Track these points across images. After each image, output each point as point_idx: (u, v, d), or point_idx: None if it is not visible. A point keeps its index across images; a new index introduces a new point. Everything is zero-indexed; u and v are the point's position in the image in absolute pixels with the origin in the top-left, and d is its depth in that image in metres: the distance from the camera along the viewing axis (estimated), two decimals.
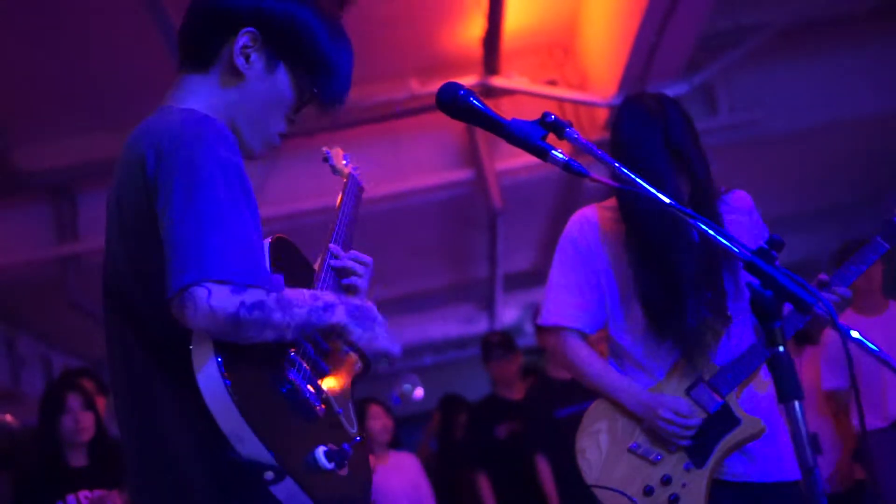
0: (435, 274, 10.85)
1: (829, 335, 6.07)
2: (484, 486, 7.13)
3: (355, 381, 2.35)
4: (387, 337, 2.18)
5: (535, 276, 10.97)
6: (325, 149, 2.81)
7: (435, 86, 6.79)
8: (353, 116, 7.11)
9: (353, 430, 2.17)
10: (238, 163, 2.00)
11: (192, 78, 2.22)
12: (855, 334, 1.75)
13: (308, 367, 2.07)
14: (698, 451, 3.07)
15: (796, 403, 1.74)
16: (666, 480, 3.06)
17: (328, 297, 2.08)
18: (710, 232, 1.84)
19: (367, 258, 2.46)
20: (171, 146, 1.96)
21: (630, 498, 3.06)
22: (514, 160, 7.73)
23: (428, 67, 7.21)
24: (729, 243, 1.82)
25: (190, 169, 1.92)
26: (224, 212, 1.90)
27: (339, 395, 2.18)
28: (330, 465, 1.95)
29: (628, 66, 6.57)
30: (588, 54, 7.47)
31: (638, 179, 1.94)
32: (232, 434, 1.83)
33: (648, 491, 3.06)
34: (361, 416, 7.09)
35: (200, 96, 2.18)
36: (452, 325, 13.03)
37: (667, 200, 1.90)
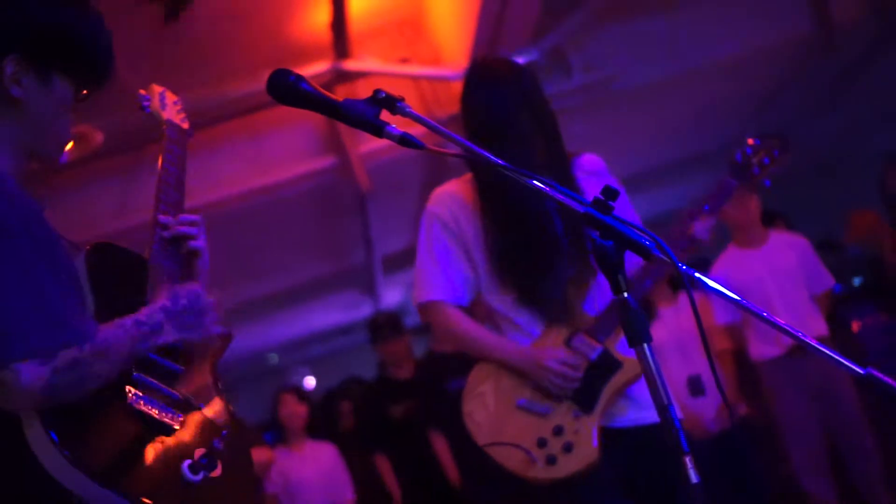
0: (313, 264, 10.79)
1: (717, 271, 6.20)
2: (384, 467, 7.17)
3: (217, 359, 2.32)
4: (213, 322, 2.16)
5: (414, 255, 11.02)
6: (140, 91, 2.61)
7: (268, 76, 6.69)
8: (212, 115, 7.03)
9: (221, 422, 2.16)
10: (23, 217, 1.94)
11: None
12: (710, 283, 1.81)
13: (156, 380, 2.05)
14: (585, 397, 3.14)
15: (646, 346, 1.80)
16: (557, 431, 3.12)
17: (155, 317, 2.05)
18: (547, 189, 1.88)
19: (195, 217, 2.39)
20: None
21: (525, 450, 3.11)
22: (376, 142, 7.72)
23: (280, 58, 7.12)
24: (566, 198, 1.86)
25: None
26: (10, 280, 1.86)
27: (201, 388, 2.18)
28: (197, 477, 1.95)
29: (477, 38, 6.59)
30: (438, 29, 7.48)
31: (476, 148, 1.97)
32: (80, 490, 1.82)
33: (542, 443, 3.11)
34: (275, 408, 7.09)
35: None
36: (337, 312, 13.00)
37: (506, 164, 1.94)
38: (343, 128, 7.56)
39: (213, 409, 2.18)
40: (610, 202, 1.84)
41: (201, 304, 2.15)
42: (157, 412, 2.00)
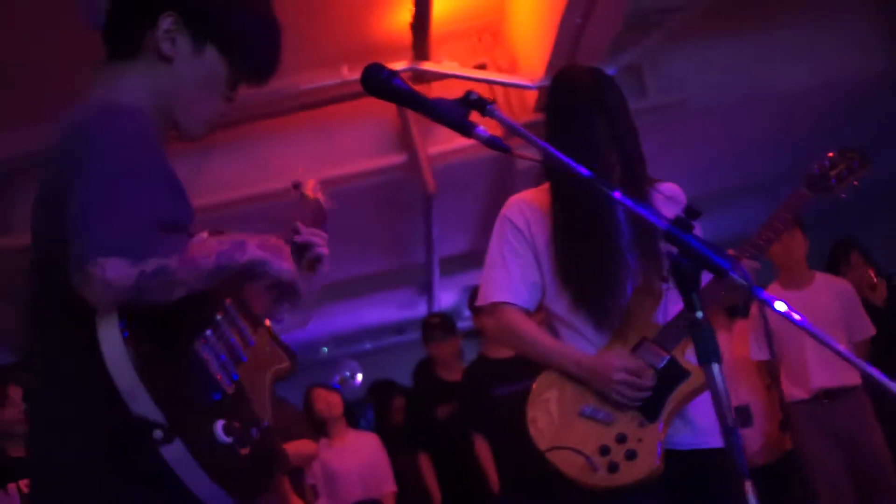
0: (372, 260, 10.85)
1: (757, 307, 6.17)
2: (426, 466, 7.20)
3: (278, 378, 2.40)
4: (292, 269, 2.21)
5: (472, 259, 11.01)
6: (297, 177, 2.83)
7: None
8: (285, 105, 7.12)
9: (264, 417, 2.21)
10: (144, 140, 2.04)
11: (119, 66, 2.25)
12: (779, 305, 1.81)
13: (223, 350, 2.12)
14: (650, 406, 3.14)
15: (714, 366, 1.81)
16: (621, 438, 3.12)
17: (237, 236, 2.11)
18: (628, 202, 1.90)
19: (323, 233, 2.53)
20: (81, 137, 2.02)
21: (584, 455, 3.11)
22: (446, 144, 7.77)
23: (358, 54, 7.21)
24: (646, 213, 1.88)
25: (93, 153, 1.97)
26: (120, 187, 1.94)
27: (255, 384, 2.24)
28: (227, 439, 2.00)
29: (555, 49, 6.61)
30: (516, 38, 7.51)
31: (559, 154, 1.99)
32: (127, 392, 1.87)
33: (604, 450, 3.11)
34: (306, 405, 7.13)
35: (128, 84, 2.22)
36: (391, 310, 13.05)
37: (587, 173, 1.96)
38: (415, 127, 7.61)
39: (261, 405, 2.24)
40: (691, 221, 1.85)
41: (279, 244, 2.21)
42: (215, 370, 2.08)
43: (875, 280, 7.09)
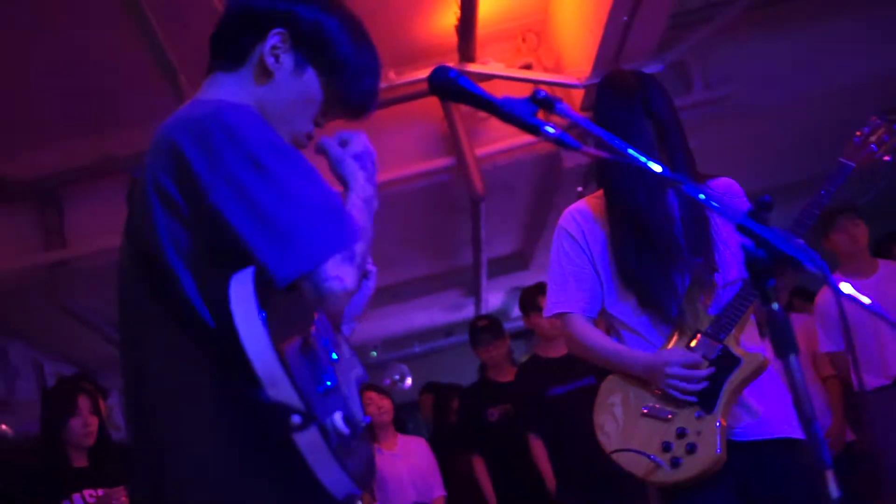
0: (419, 262, 10.88)
1: (823, 297, 6.12)
2: (480, 468, 7.21)
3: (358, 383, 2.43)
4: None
5: (519, 260, 11.03)
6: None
7: (411, 75, 6.85)
8: None
9: (363, 414, 2.24)
10: (273, 131, 2.07)
11: (222, 76, 2.30)
12: (847, 288, 1.80)
13: (325, 346, 2.13)
14: (706, 398, 3.17)
15: (793, 357, 1.81)
16: (681, 433, 3.15)
17: (369, 191, 2.26)
18: (702, 196, 1.90)
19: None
20: (213, 133, 2.00)
21: (648, 456, 3.16)
22: (492, 146, 7.80)
23: (404, 57, 7.25)
24: (720, 206, 1.88)
25: (246, 152, 1.97)
26: (295, 181, 1.97)
27: (349, 381, 2.27)
28: (347, 430, 1.99)
29: (601, 48, 6.62)
30: (561, 37, 7.51)
31: (627, 149, 2.00)
32: (266, 375, 1.84)
33: (666, 447, 3.16)
34: None
35: (229, 92, 2.25)
36: (438, 312, 13.06)
37: (658, 168, 1.96)
38: (461, 130, 7.63)
39: (355, 401, 2.25)
40: (763, 213, 1.85)
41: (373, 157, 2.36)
42: (325, 365, 2.08)
43: None
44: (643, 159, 1.98)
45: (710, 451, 3.10)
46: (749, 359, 3.18)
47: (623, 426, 3.27)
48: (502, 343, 7.34)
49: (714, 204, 1.89)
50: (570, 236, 3.44)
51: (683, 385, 3.16)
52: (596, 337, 3.39)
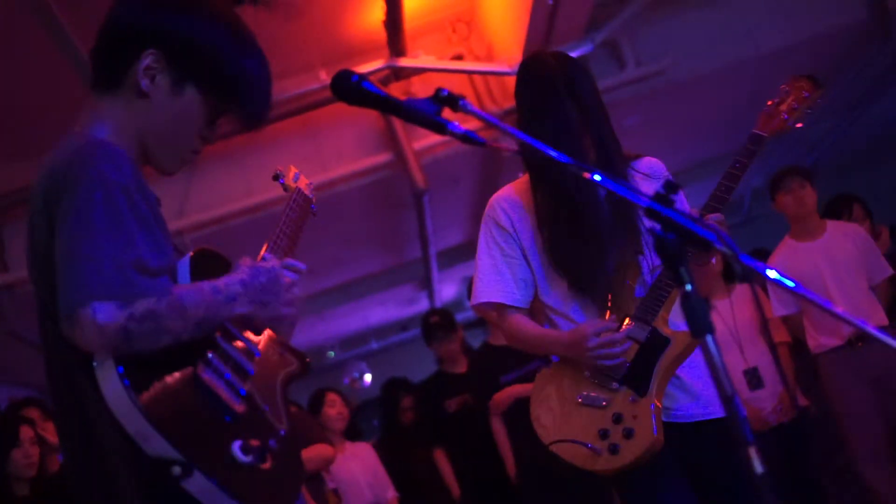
0: (370, 259, 10.86)
1: (773, 263, 6.16)
2: (442, 461, 7.23)
3: (289, 380, 2.41)
4: (287, 308, 2.26)
5: (470, 249, 11.01)
6: (278, 168, 2.94)
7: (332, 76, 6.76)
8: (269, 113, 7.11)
9: (280, 426, 2.22)
10: (124, 182, 2.04)
11: (102, 100, 2.26)
12: (772, 273, 1.82)
13: (228, 368, 2.12)
14: (639, 381, 3.16)
15: (709, 337, 1.81)
16: (617, 418, 3.14)
17: (232, 288, 2.14)
18: (608, 182, 1.90)
19: (301, 265, 2.50)
20: (60, 176, 2.03)
21: (584, 444, 3.14)
22: (431, 138, 7.79)
23: (335, 56, 7.24)
24: (626, 192, 1.88)
25: (73, 195, 1.99)
26: (103, 231, 1.96)
27: (266, 393, 2.24)
28: (246, 459, 2.01)
29: (530, 32, 6.63)
30: (490, 25, 7.53)
31: (534, 142, 1.99)
32: (137, 434, 1.89)
33: (604, 434, 3.14)
34: (319, 404, 7.14)
35: (108, 119, 2.23)
36: (393, 307, 13.06)
37: (563, 158, 1.96)
38: (398, 124, 7.62)
39: (276, 413, 2.25)
40: (671, 196, 1.85)
41: (279, 284, 2.25)
42: (222, 391, 2.07)
43: (877, 229, 7.12)
44: (551, 151, 1.98)
45: (647, 433, 3.09)
46: (678, 338, 3.18)
47: (559, 416, 3.24)
48: (455, 336, 7.36)
49: (623, 190, 1.89)
50: (499, 226, 3.39)
51: (605, 352, 3.15)
52: (521, 324, 3.37)
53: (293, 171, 2.98)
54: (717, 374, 1.82)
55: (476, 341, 8.26)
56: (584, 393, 3.23)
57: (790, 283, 1.89)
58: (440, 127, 2.01)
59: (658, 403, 3.14)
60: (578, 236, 3.25)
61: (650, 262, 3.26)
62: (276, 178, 2.93)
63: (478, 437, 6.68)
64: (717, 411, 3.22)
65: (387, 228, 10.04)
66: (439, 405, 7.14)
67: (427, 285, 11.67)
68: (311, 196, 2.91)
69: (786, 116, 3.41)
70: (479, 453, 6.78)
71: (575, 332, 3.21)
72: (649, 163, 3.43)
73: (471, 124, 1.95)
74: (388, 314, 13.40)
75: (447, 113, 2.04)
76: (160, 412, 1.91)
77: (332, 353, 13.60)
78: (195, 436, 1.96)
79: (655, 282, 3.22)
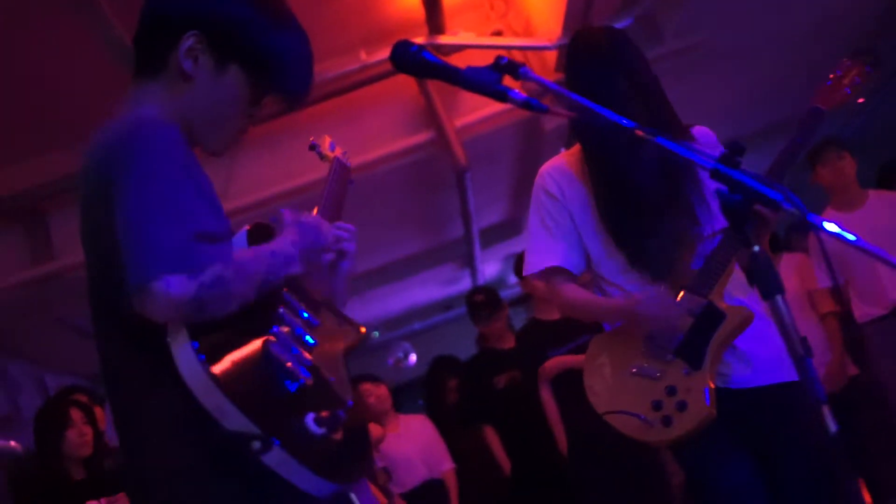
0: (412, 240, 10.87)
1: (816, 233, 6.12)
2: (492, 438, 7.23)
3: (349, 351, 2.43)
4: (344, 255, 2.38)
5: (511, 227, 11.03)
6: (311, 138, 2.96)
7: (383, 54, 6.81)
8: (309, 95, 7.11)
9: (347, 396, 2.24)
10: (177, 153, 2.07)
11: (144, 85, 2.28)
12: (830, 226, 1.80)
13: (293, 342, 2.14)
14: (693, 354, 3.16)
15: (779, 297, 1.81)
16: (671, 391, 3.14)
17: (287, 249, 2.18)
18: (673, 145, 1.89)
19: (350, 226, 2.53)
20: (113, 153, 2.05)
21: (637, 416, 3.15)
22: (471, 115, 7.78)
23: (373, 36, 7.23)
24: (691, 153, 1.88)
25: (129, 171, 2.00)
26: (164, 203, 1.97)
27: (330, 364, 2.26)
28: (320, 431, 2.03)
29: (569, 7, 6.58)
30: (528, 0, 7.50)
31: (595, 107, 1.99)
32: (216, 410, 1.90)
33: (657, 405, 3.15)
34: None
35: (152, 103, 2.24)
36: (436, 287, 13.07)
37: (628, 123, 1.96)
38: (439, 103, 7.61)
39: (341, 384, 2.26)
40: (736, 157, 1.85)
41: (323, 241, 2.30)
42: (291, 364, 2.08)
43: None
44: (614, 116, 1.98)
45: (700, 406, 3.09)
46: (733, 312, 3.17)
47: (612, 386, 3.26)
48: (502, 314, 7.37)
49: (688, 152, 1.89)
50: (548, 195, 3.41)
51: (661, 321, 3.18)
52: (578, 292, 3.39)
53: (328, 140, 2.99)
54: (787, 334, 1.82)
55: (518, 319, 8.26)
56: (638, 363, 3.23)
57: (850, 237, 1.87)
58: (501, 95, 2.01)
59: (712, 376, 3.14)
60: (632, 207, 3.24)
61: (705, 232, 3.24)
62: (311, 148, 2.95)
63: (527, 413, 6.67)
64: (771, 378, 3.21)
65: (428, 208, 10.04)
66: (488, 382, 7.14)
67: (469, 264, 11.66)
68: (348, 165, 2.93)
69: (848, 91, 3.38)
70: (529, 430, 6.76)
71: (631, 299, 3.22)
72: (701, 131, 3.42)
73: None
74: (431, 294, 13.42)
75: (507, 81, 2.05)
76: (236, 387, 1.92)
77: (376, 334, 13.65)
78: (271, 410, 1.97)
79: (711, 254, 3.20)
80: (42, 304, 8.16)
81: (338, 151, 2.94)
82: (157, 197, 1.97)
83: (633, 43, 3.34)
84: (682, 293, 3.21)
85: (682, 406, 3.11)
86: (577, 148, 3.43)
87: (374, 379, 7.40)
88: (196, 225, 1.99)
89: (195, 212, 2.01)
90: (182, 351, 1.93)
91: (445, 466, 7.17)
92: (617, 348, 3.31)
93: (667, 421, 3.13)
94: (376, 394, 7.19)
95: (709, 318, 3.17)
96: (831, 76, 3.42)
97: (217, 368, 1.92)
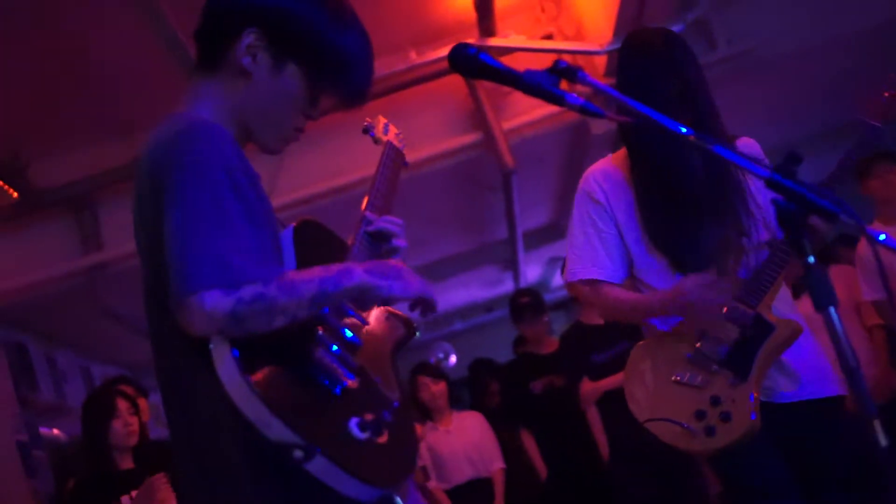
0: (455, 240, 10.88)
1: (863, 246, 6.07)
2: (529, 442, 7.24)
3: (398, 347, 2.42)
4: (417, 282, 2.21)
5: (554, 230, 11.00)
6: (367, 119, 2.84)
7: (433, 54, 6.85)
8: None
9: (394, 396, 2.23)
10: (225, 162, 2.06)
11: (203, 81, 2.28)
12: (884, 238, 1.79)
13: (337, 344, 2.12)
14: (739, 365, 3.13)
15: (832, 309, 1.80)
16: (715, 401, 3.11)
17: (344, 263, 2.15)
18: (731, 154, 1.89)
19: (399, 220, 2.50)
20: (163, 157, 2.06)
21: (681, 424, 3.12)
22: (519, 119, 7.78)
23: (424, 37, 7.25)
24: (748, 162, 1.87)
25: (176, 179, 2.01)
26: (207, 217, 1.98)
27: (377, 364, 2.25)
28: (363, 435, 2.02)
29: (621, 11, 6.58)
30: (580, 3, 7.48)
31: (649, 111, 1.99)
32: (258, 421, 1.90)
33: (700, 414, 3.12)
34: (411, 390, 7.20)
35: (209, 99, 2.25)
36: (478, 288, 13.05)
37: (682, 129, 1.96)
38: (487, 105, 7.61)
39: (388, 383, 2.25)
40: (792, 167, 1.84)
41: (395, 267, 2.22)
42: (334, 367, 2.08)
43: None
44: (667, 121, 1.98)
45: (745, 418, 3.06)
46: (783, 325, 3.14)
47: (654, 394, 3.23)
48: (543, 319, 7.39)
49: (743, 161, 1.88)
50: (593, 200, 3.38)
51: (708, 306, 3.12)
52: (617, 294, 3.35)
53: (382, 121, 2.87)
54: (839, 346, 1.81)
55: (558, 323, 8.25)
56: (681, 372, 3.20)
57: None
58: (558, 99, 2.01)
59: (757, 389, 3.11)
60: (675, 212, 3.22)
61: (753, 241, 3.22)
62: (365, 130, 2.83)
63: (565, 417, 6.67)
64: (816, 392, 3.18)
65: (473, 209, 10.04)
66: (525, 387, 7.15)
67: (512, 266, 11.65)
68: (401, 147, 2.82)
69: None
70: (567, 434, 6.77)
71: (677, 287, 3.16)
72: (747, 143, 3.38)
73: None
74: (473, 295, 13.40)
75: (563, 85, 2.06)
76: (278, 396, 1.93)
77: (417, 334, 13.63)
78: (313, 418, 1.98)
79: (763, 265, 3.17)
80: (90, 295, 8.23)
81: (391, 134, 2.83)
82: (199, 211, 1.97)
83: (688, 47, 3.31)
84: (730, 303, 3.17)
85: (726, 416, 3.08)
86: (623, 152, 3.40)
87: (435, 374, 7.41)
88: (237, 239, 1.98)
89: (237, 225, 2.00)
90: (223, 359, 1.94)
91: (495, 466, 7.17)
92: (660, 356, 3.28)
93: (710, 431, 3.10)
94: (432, 390, 7.21)
95: (758, 330, 3.14)
96: (886, 94, 3.35)
97: (258, 377, 1.93)
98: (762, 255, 3.20)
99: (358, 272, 2.10)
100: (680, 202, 3.21)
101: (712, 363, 3.16)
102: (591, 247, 3.37)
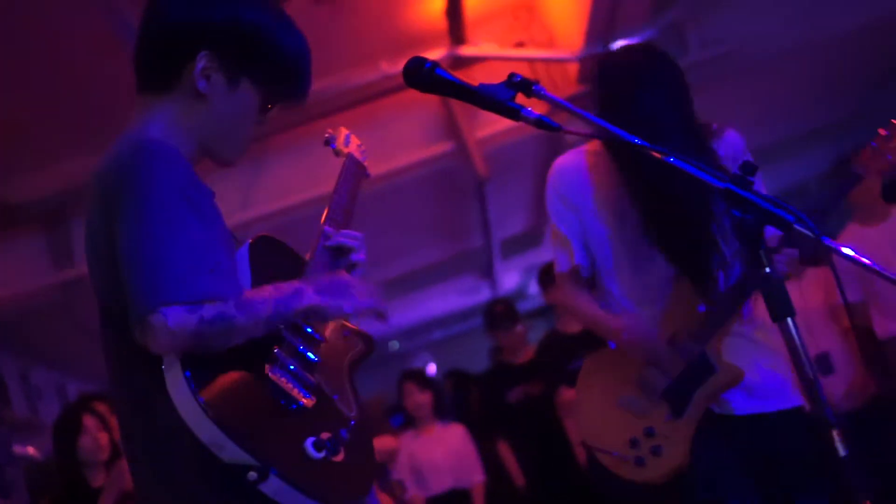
0: (432, 249, 10.87)
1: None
2: (505, 451, 7.23)
3: (356, 364, 2.40)
4: (368, 296, 2.22)
5: (531, 238, 11.01)
6: (328, 131, 2.83)
7: (404, 64, 6.79)
8: (330, 105, 7.13)
9: (351, 414, 2.22)
10: (178, 181, 2.05)
11: (153, 101, 2.27)
12: (847, 251, 1.80)
13: (294, 362, 2.11)
14: (677, 401, 3.10)
15: (789, 320, 1.80)
16: (649, 433, 3.11)
17: (295, 284, 2.13)
18: (686, 166, 1.88)
19: (358, 234, 2.49)
20: (114, 180, 2.04)
21: (611, 452, 3.14)
22: (492, 126, 7.76)
23: (396, 46, 7.22)
24: (705, 174, 1.86)
25: (129, 199, 2.00)
26: (163, 235, 1.97)
27: (334, 380, 2.24)
28: (319, 455, 2.01)
29: (592, 17, 6.57)
30: (552, 11, 7.48)
31: (610, 126, 1.98)
32: (212, 444, 1.90)
33: (634, 443, 3.12)
34: (398, 394, 7.21)
35: (161, 119, 2.24)
36: (455, 297, 13.07)
37: (639, 141, 1.95)
38: (460, 113, 7.60)
39: (345, 400, 2.24)
40: (749, 177, 1.83)
41: (347, 282, 2.23)
42: (290, 386, 2.06)
43: None
44: (626, 135, 1.97)
45: (675, 456, 3.07)
46: (724, 370, 3.08)
47: (598, 412, 3.24)
48: (517, 328, 7.38)
49: (700, 173, 1.87)
50: (559, 196, 3.36)
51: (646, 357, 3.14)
52: (587, 306, 3.33)
53: (343, 132, 2.85)
54: (797, 357, 1.81)
55: (535, 332, 8.24)
56: (628, 394, 3.19)
57: (865, 261, 1.87)
58: (514, 112, 2.00)
59: (691, 429, 3.08)
60: (685, 224, 3.13)
61: (723, 273, 3.14)
62: (326, 142, 2.80)
63: (541, 426, 6.67)
64: (774, 404, 3.16)
65: (448, 218, 10.04)
66: (501, 395, 7.14)
67: (489, 274, 11.65)
68: (362, 160, 2.81)
69: (890, 157, 3.24)
70: (543, 443, 6.77)
71: (620, 323, 3.17)
72: (730, 138, 3.29)
73: (539, 109, 1.91)
74: (450, 304, 13.42)
75: (520, 98, 2.05)
76: (231, 418, 1.91)
77: (395, 344, 13.65)
78: (268, 438, 1.96)
79: (721, 301, 3.10)
80: (64, 310, 8.19)
81: (353, 146, 2.81)
82: (155, 229, 1.97)
83: (668, 56, 3.26)
84: (682, 334, 3.12)
85: (656, 450, 3.09)
86: (595, 145, 3.35)
87: (423, 382, 7.40)
88: (196, 257, 1.98)
89: (194, 242, 1.99)
90: (176, 382, 1.93)
91: (476, 479, 7.16)
92: (611, 371, 3.27)
93: (639, 461, 3.10)
94: (417, 398, 7.20)
95: (699, 370, 3.09)
96: (875, 140, 3.27)
97: (211, 398, 1.91)
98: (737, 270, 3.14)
99: (308, 294, 2.11)
100: (689, 217, 3.11)
101: (655, 392, 3.14)
102: (560, 240, 3.36)
